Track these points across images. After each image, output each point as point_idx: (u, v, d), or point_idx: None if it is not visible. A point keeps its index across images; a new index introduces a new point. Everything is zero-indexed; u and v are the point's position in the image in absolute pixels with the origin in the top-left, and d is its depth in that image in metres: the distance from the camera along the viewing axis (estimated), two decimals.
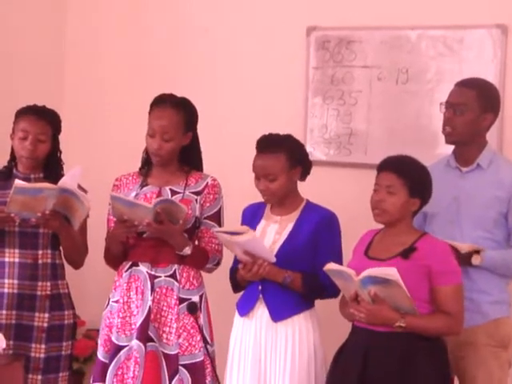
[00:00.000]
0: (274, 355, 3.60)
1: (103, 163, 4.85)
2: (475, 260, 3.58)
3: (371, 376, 3.30)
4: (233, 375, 3.68)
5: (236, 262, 3.72)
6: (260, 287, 3.62)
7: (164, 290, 3.64)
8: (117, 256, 3.73)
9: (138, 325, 3.62)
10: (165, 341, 3.62)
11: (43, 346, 3.76)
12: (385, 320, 3.29)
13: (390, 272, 3.21)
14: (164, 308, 3.64)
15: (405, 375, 3.28)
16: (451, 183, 3.73)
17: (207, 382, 3.64)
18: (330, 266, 3.36)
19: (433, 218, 3.75)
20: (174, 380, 3.58)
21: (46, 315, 3.77)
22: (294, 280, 3.59)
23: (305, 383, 3.59)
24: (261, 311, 3.63)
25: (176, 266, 3.66)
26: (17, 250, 3.77)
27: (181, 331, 3.62)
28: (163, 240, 3.62)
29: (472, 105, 3.68)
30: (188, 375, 3.60)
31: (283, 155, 3.62)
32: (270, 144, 3.65)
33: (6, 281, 3.75)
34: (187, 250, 3.62)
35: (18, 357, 3.65)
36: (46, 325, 3.76)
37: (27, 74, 4.89)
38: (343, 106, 4.63)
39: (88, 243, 3.90)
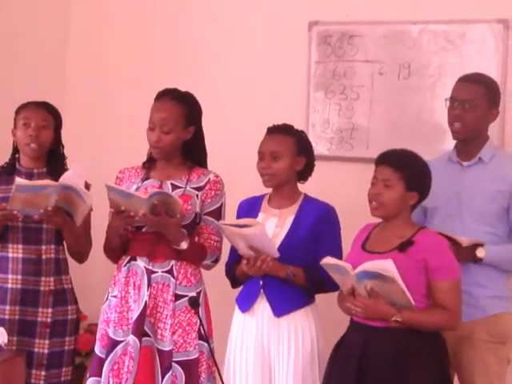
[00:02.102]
0: (277, 350, 3.61)
1: (106, 158, 4.84)
2: (480, 253, 3.57)
3: (369, 370, 3.30)
4: (236, 371, 3.68)
5: (232, 256, 3.73)
6: (261, 282, 3.62)
7: (160, 286, 3.62)
8: (115, 249, 3.71)
9: (133, 319, 3.60)
10: (159, 336, 3.60)
11: (47, 342, 3.77)
12: (381, 314, 3.30)
13: (386, 266, 3.21)
14: (160, 304, 3.61)
15: (401, 370, 3.27)
16: (452, 177, 3.72)
17: (202, 378, 3.62)
18: (327, 260, 3.37)
19: (433, 212, 3.75)
20: (167, 376, 3.56)
21: (50, 310, 3.77)
22: (297, 275, 3.60)
23: (309, 377, 3.61)
24: (262, 306, 3.63)
25: (173, 262, 3.63)
26: (20, 246, 3.78)
27: (176, 328, 3.59)
28: (161, 234, 3.59)
29: (481, 101, 3.68)
30: (182, 372, 3.57)
31: (292, 139, 3.67)
32: (281, 128, 3.71)
33: (10, 276, 3.76)
34: (183, 245, 3.59)
35: (20, 352, 3.65)
36: (49, 320, 3.77)
37: (28, 72, 4.87)
38: (345, 100, 4.63)
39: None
